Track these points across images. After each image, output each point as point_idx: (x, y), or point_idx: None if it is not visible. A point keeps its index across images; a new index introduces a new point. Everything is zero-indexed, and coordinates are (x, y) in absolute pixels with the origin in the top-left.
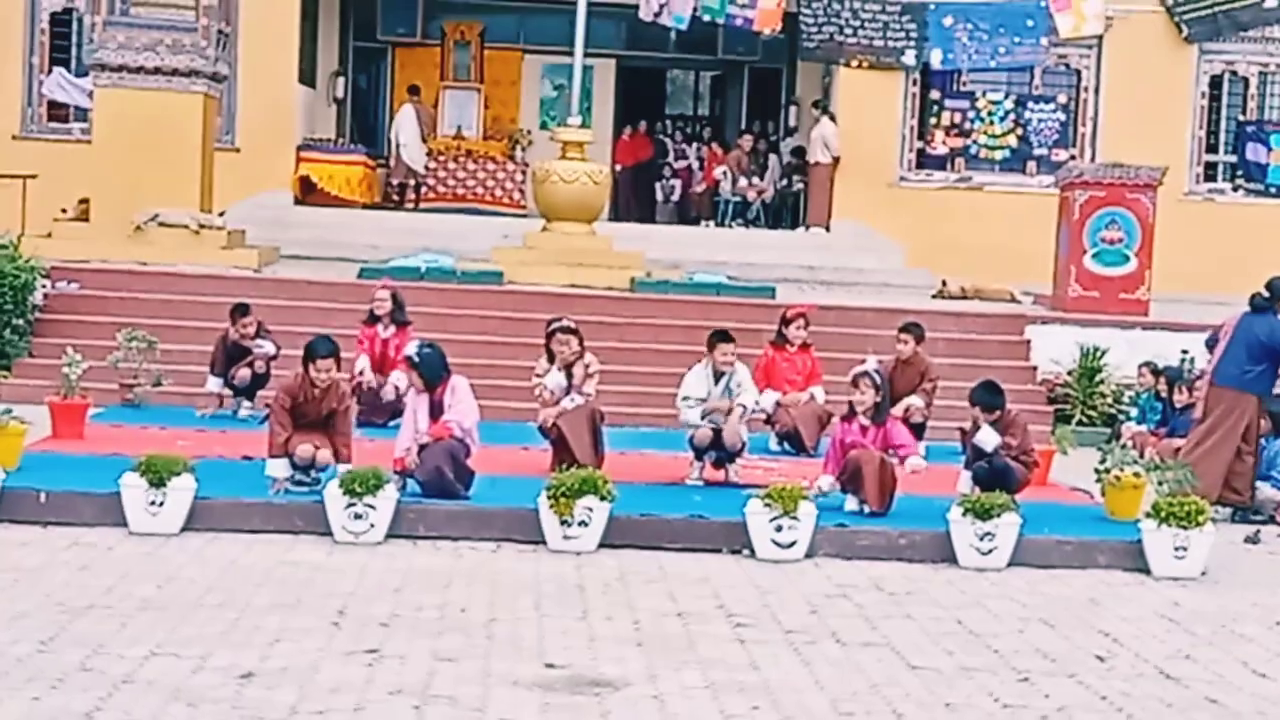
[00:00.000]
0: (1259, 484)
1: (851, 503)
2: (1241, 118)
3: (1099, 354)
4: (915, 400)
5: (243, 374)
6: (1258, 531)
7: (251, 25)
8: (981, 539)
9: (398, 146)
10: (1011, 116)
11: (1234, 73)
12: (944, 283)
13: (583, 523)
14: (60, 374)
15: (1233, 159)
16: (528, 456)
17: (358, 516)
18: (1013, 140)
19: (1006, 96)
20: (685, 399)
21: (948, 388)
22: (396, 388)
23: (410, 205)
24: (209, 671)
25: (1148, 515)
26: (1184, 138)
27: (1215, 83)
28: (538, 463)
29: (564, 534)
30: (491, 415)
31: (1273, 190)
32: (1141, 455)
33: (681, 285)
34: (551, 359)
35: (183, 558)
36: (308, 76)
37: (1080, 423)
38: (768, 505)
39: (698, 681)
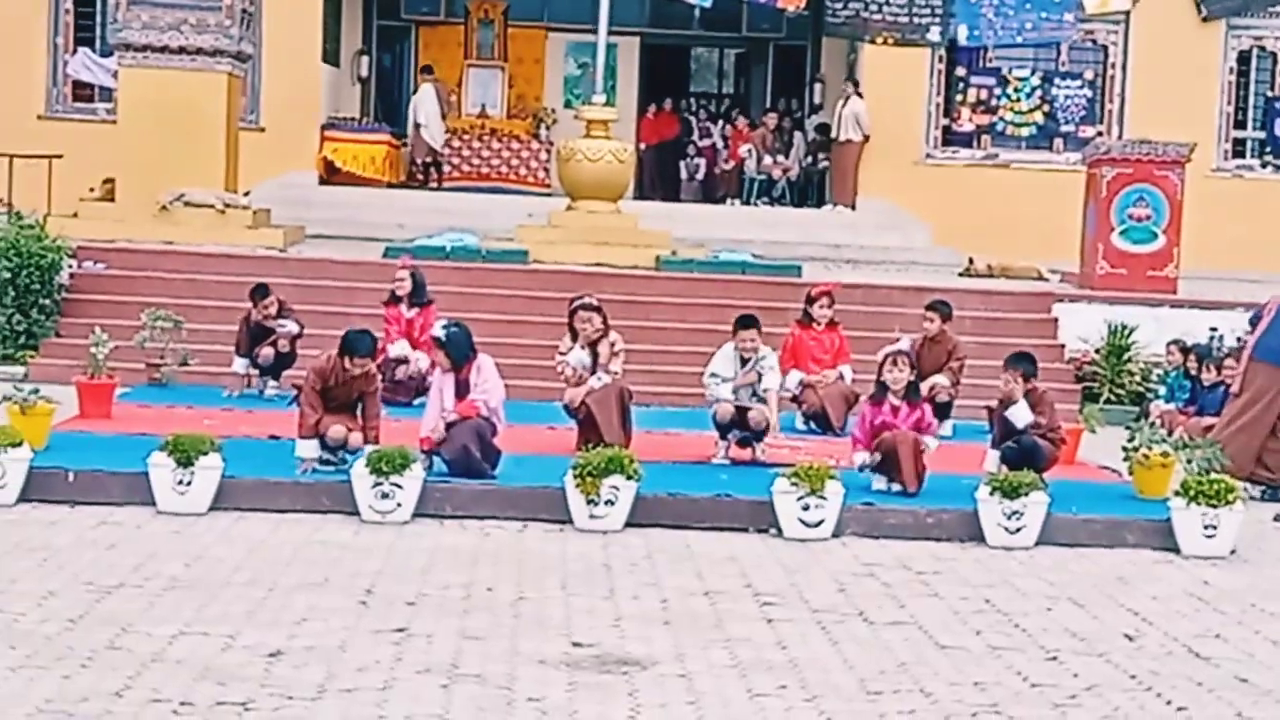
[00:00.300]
0: None
1: (879, 482)
2: (1270, 93)
3: (1127, 332)
4: (941, 379)
5: (265, 353)
6: None
7: (275, 4)
8: (1009, 517)
9: (416, 126)
10: (1038, 93)
11: (1262, 48)
12: (970, 261)
13: (609, 502)
14: (87, 354)
15: (1261, 135)
16: (554, 436)
17: (385, 496)
18: (1039, 117)
19: (1033, 73)
20: (713, 375)
21: (974, 366)
22: (420, 368)
23: (435, 185)
24: (237, 650)
25: (1177, 494)
26: (1212, 113)
27: (1243, 58)
28: (564, 442)
29: (590, 513)
30: (517, 394)
31: None
32: (1170, 434)
33: (706, 264)
34: (575, 337)
35: (210, 537)
36: (332, 55)
37: (1108, 401)
38: (795, 484)
39: (725, 660)
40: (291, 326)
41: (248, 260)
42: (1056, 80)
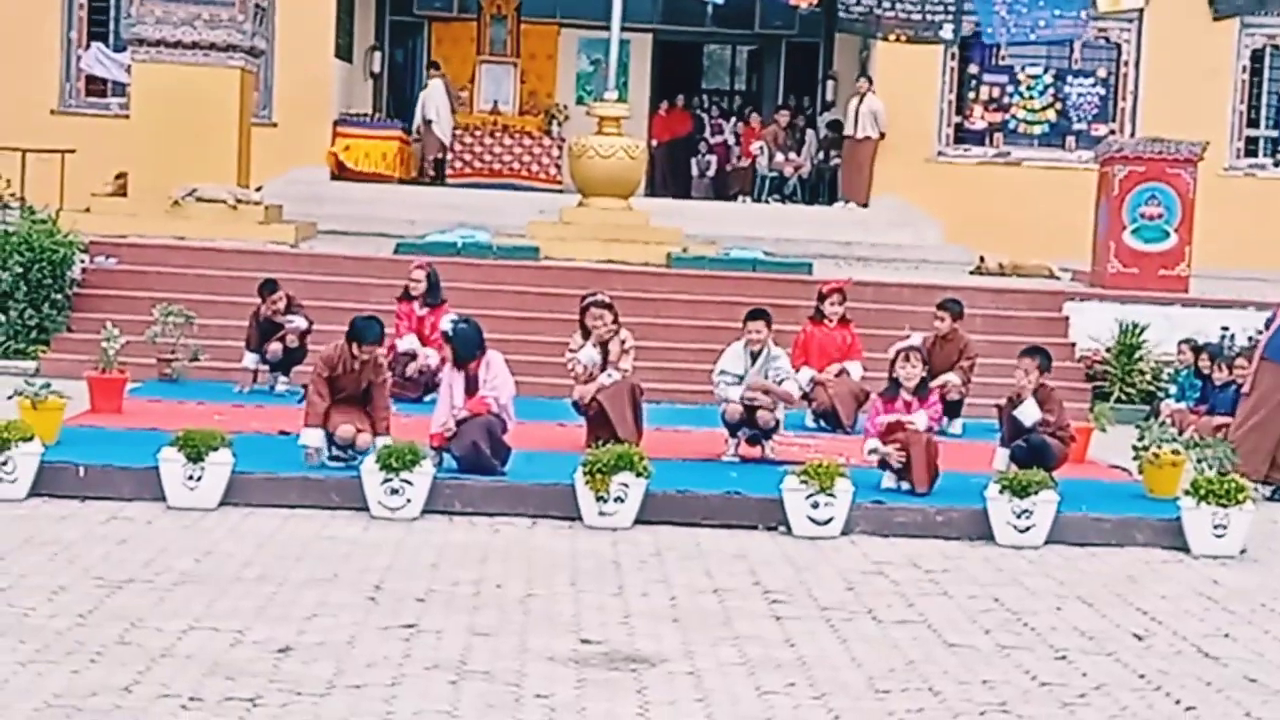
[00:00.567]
0: None
1: (889, 479)
2: None
3: (1138, 331)
4: (952, 377)
5: (274, 348)
6: None
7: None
8: (1019, 516)
9: (426, 122)
10: (1051, 91)
11: (1275, 46)
12: (982, 259)
13: (619, 499)
14: (98, 349)
15: (1274, 134)
16: (564, 432)
17: (394, 492)
18: (1052, 115)
19: (1046, 71)
20: (722, 373)
21: (985, 364)
22: (430, 364)
23: (432, 178)
24: (247, 645)
25: (1187, 493)
26: (1225, 112)
27: (1256, 56)
28: (573, 439)
29: (600, 510)
30: (527, 391)
31: None
32: (1181, 433)
33: (718, 261)
34: (586, 334)
35: (220, 532)
36: (344, 51)
37: (1119, 400)
38: (804, 482)
39: (734, 658)
40: (300, 322)
41: (259, 256)
42: (1069, 78)
